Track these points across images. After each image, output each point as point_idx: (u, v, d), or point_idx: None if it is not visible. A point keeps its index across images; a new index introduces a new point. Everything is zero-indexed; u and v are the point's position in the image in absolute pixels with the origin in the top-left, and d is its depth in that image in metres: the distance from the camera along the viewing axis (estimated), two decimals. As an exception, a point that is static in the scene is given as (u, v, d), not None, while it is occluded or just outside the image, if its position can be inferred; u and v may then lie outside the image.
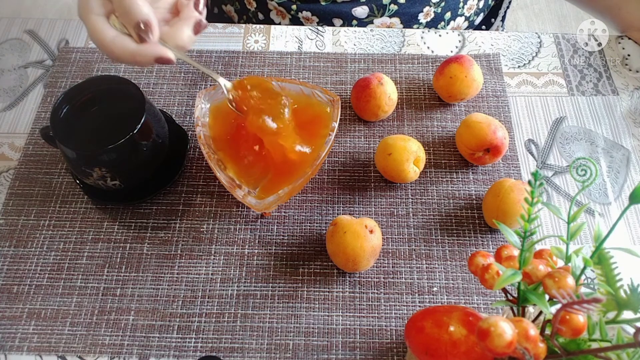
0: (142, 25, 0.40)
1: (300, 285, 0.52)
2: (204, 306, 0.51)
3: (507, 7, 0.82)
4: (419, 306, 0.51)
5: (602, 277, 0.32)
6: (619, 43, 0.69)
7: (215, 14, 0.85)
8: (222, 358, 0.48)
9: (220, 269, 0.53)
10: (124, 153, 0.50)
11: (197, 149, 0.60)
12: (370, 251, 0.49)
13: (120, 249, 0.54)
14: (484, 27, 0.82)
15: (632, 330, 0.29)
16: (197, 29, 0.44)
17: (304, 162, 0.51)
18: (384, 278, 0.53)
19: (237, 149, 0.52)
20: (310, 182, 0.58)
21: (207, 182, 0.58)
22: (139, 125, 0.50)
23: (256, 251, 0.54)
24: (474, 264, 0.34)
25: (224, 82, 0.51)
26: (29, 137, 0.61)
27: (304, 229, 0.55)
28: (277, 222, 0.56)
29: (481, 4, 0.77)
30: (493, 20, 0.82)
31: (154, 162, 0.55)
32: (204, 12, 0.45)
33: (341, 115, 0.62)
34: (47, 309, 0.51)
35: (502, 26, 0.84)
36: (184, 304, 0.51)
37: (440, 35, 0.69)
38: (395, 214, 0.56)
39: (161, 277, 0.53)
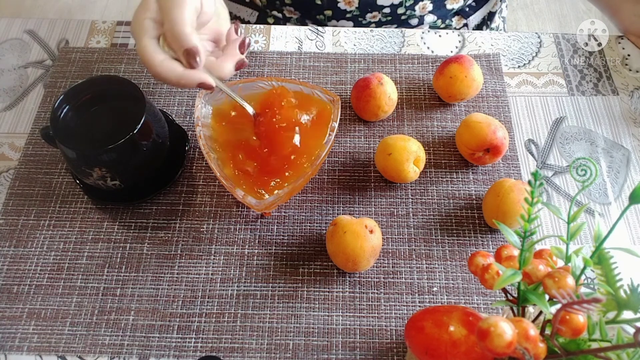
0: (193, 51, 0.44)
1: (300, 285, 0.52)
2: (204, 306, 0.51)
3: None
4: (419, 306, 0.51)
5: (602, 277, 0.32)
6: (619, 43, 0.69)
7: None
8: (222, 358, 0.48)
9: (220, 269, 0.53)
10: (124, 153, 0.50)
11: (197, 149, 0.60)
12: (370, 251, 0.49)
13: (120, 249, 0.54)
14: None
15: (632, 330, 0.29)
16: (239, 66, 0.49)
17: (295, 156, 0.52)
18: (384, 278, 0.53)
19: (238, 150, 0.52)
20: (310, 182, 0.58)
21: (207, 182, 0.58)
22: (139, 125, 0.50)
23: (256, 251, 0.54)
24: (474, 264, 0.34)
25: (252, 111, 0.53)
26: (29, 137, 0.61)
27: (304, 229, 0.55)
28: (277, 222, 0.56)
29: None
30: None
31: (154, 162, 0.55)
32: (246, 52, 0.50)
33: (341, 115, 0.62)
34: (47, 309, 0.51)
35: (501, 8, 0.83)
36: (184, 304, 0.51)
37: (440, 36, 0.69)
38: (395, 214, 0.56)
39: (161, 277, 0.53)
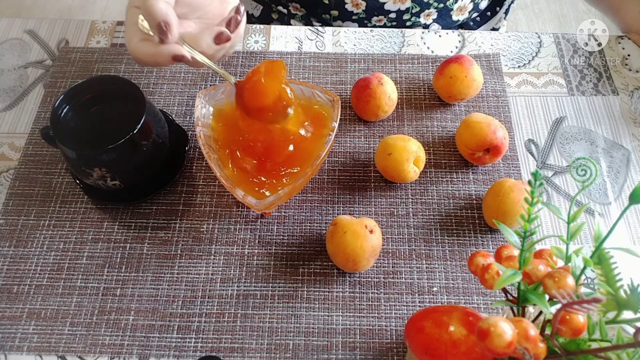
0: (162, 25, 0.44)
1: (300, 285, 0.52)
2: (204, 306, 0.51)
3: (512, 1, 0.82)
4: (419, 306, 0.51)
5: (602, 277, 0.32)
6: (619, 43, 0.69)
7: None
8: (222, 358, 0.48)
9: (220, 269, 0.53)
10: (124, 153, 0.50)
11: (197, 149, 0.60)
12: (370, 251, 0.49)
13: (120, 249, 0.54)
14: (489, 13, 0.81)
15: (632, 330, 0.29)
16: (219, 38, 0.48)
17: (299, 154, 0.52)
18: (384, 278, 0.53)
19: (238, 149, 0.52)
20: (310, 182, 0.58)
21: (207, 182, 0.58)
22: (139, 125, 0.50)
23: (256, 251, 0.54)
24: (474, 264, 0.34)
25: (234, 80, 0.51)
26: (29, 137, 0.61)
27: (304, 229, 0.55)
28: (277, 222, 0.56)
29: None
30: (498, 8, 0.82)
31: (154, 162, 0.55)
32: (239, 30, 0.49)
33: (341, 115, 0.62)
34: (47, 309, 0.51)
35: (504, 18, 0.84)
36: (184, 304, 0.51)
37: (440, 36, 0.69)
38: (395, 214, 0.56)
39: (161, 277, 0.53)
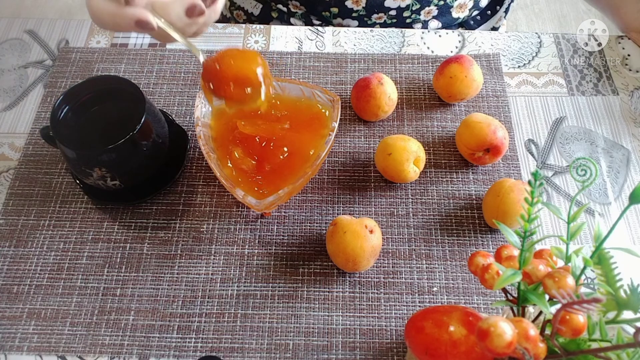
0: None
1: (300, 285, 0.52)
2: (204, 306, 0.51)
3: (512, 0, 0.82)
4: (419, 306, 0.51)
5: (602, 277, 0.32)
6: (619, 43, 0.69)
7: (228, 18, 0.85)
8: (222, 358, 0.48)
9: (220, 269, 0.53)
10: (124, 153, 0.50)
11: (197, 149, 0.60)
12: (370, 251, 0.49)
13: (120, 249, 0.54)
14: (489, 12, 0.81)
15: (632, 330, 0.29)
16: (191, 11, 0.44)
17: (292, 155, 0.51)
18: (384, 278, 0.53)
19: (236, 149, 0.52)
20: (310, 182, 0.58)
21: (207, 182, 0.58)
22: (139, 125, 0.50)
23: (256, 251, 0.54)
24: (474, 264, 0.34)
25: (202, 59, 0.48)
26: (29, 137, 0.61)
27: (304, 229, 0.55)
28: (277, 222, 0.56)
29: None
30: (498, 7, 0.82)
31: (154, 162, 0.55)
32: (216, 6, 0.45)
33: (341, 115, 0.62)
34: (47, 309, 0.51)
35: (504, 17, 0.84)
36: (184, 304, 0.51)
37: (440, 36, 0.69)
38: (395, 214, 0.56)
39: (161, 277, 0.53)
